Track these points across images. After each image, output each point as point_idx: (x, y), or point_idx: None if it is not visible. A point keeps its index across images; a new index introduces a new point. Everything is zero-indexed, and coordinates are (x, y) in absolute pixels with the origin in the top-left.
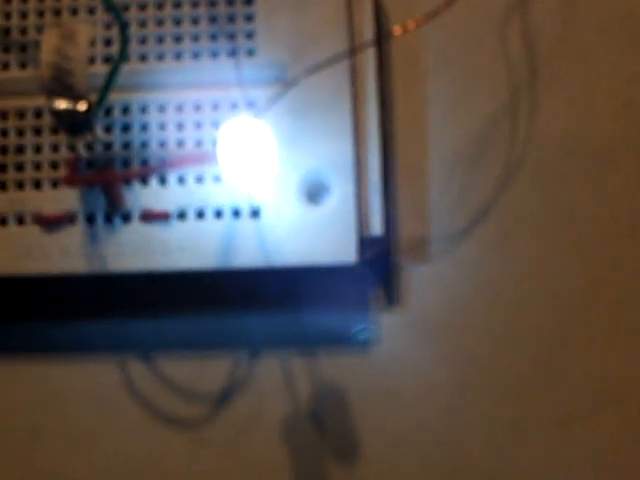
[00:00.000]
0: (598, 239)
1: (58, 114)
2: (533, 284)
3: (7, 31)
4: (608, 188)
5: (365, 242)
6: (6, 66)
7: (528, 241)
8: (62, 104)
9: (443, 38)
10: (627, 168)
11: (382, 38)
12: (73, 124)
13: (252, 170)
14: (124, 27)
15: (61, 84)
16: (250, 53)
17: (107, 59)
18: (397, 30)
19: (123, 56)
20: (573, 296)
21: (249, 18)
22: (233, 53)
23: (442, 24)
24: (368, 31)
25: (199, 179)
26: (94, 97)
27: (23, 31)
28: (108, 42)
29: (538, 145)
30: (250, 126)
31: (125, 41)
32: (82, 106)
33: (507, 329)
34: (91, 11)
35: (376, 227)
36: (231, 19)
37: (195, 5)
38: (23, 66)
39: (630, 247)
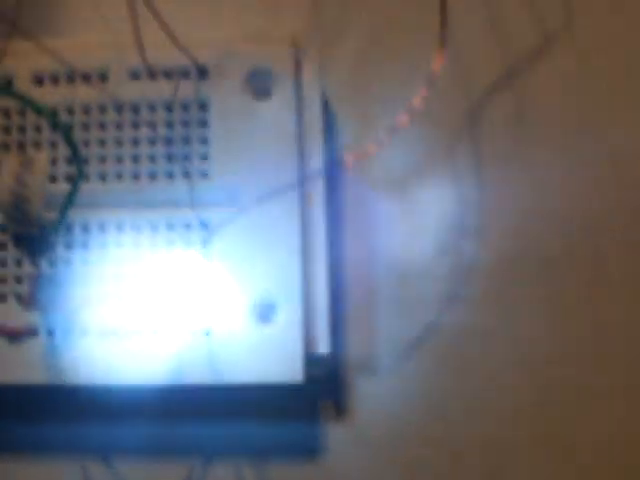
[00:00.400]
0: (545, 356)
1: (16, 238)
2: (478, 399)
3: None
4: (556, 301)
5: (312, 360)
6: None
7: (474, 357)
8: (17, 230)
9: (392, 157)
10: (572, 283)
11: (333, 166)
12: (31, 247)
13: (201, 294)
14: (79, 160)
15: (19, 209)
16: (203, 175)
17: (68, 177)
18: (348, 160)
19: (78, 183)
20: (519, 411)
21: (204, 141)
22: (187, 175)
23: (392, 143)
24: (318, 159)
25: (155, 298)
26: (55, 215)
27: None
28: (70, 161)
29: (486, 261)
30: (197, 255)
31: (80, 168)
32: (38, 232)
33: (451, 442)
34: (53, 128)
35: (323, 346)
36: (186, 141)
37: (152, 127)
38: None
39: (574, 364)
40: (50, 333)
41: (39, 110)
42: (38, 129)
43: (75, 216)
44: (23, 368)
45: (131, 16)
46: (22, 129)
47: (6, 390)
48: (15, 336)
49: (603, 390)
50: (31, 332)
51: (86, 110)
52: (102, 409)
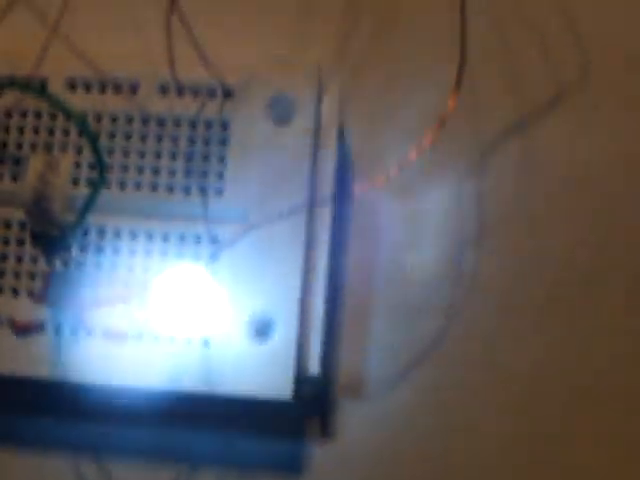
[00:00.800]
0: (529, 396)
1: (34, 235)
2: (461, 431)
3: (4, 144)
4: (541, 347)
5: (302, 380)
6: (0, 177)
7: (461, 390)
8: (37, 227)
9: (399, 192)
10: (560, 331)
11: (342, 195)
12: (48, 245)
13: (204, 306)
14: (102, 168)
15: (40, 208)
16: (218, 193)
17: (90, 182)
18: (357, 190)
19: (98, 189)
20: (513, 437)
21: (221, 160)
22: (203, 191)
23: (401, 179)
24: (328, 187)
25: (160, 306)
26: (73, 218)
27: (19, 146)
28: (92, 167)
29: (479, 299)
30: (204, 267)
31: (102, 175)
32: (56, 231)
33: (435, 468)
34: (81, 134)
35: (314, 367)
36: (205, 159)
37: (175, 141)
38: (14, 179)
39: (553, 410)
40: (57, 330)
41: (70, 115)
42: (66, 133)
43: (92, 220)
44: (27, 362)
45: (166, 33)
46: (51, 131)
47: (7, 383)
48: (24, 331)
49: (605, 403)
50: (39, 328)
51: (114, 119)
52: (98, 409)
